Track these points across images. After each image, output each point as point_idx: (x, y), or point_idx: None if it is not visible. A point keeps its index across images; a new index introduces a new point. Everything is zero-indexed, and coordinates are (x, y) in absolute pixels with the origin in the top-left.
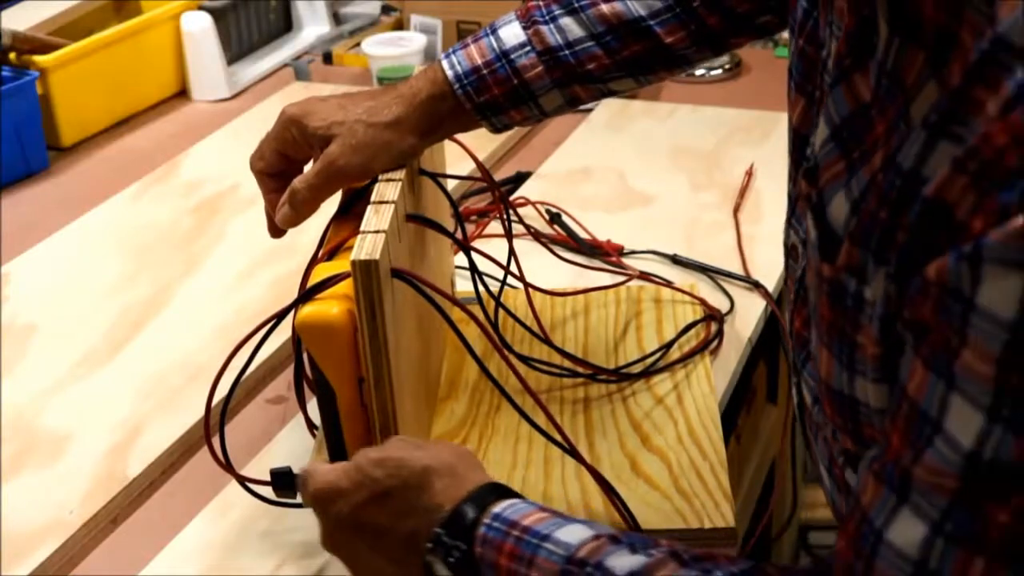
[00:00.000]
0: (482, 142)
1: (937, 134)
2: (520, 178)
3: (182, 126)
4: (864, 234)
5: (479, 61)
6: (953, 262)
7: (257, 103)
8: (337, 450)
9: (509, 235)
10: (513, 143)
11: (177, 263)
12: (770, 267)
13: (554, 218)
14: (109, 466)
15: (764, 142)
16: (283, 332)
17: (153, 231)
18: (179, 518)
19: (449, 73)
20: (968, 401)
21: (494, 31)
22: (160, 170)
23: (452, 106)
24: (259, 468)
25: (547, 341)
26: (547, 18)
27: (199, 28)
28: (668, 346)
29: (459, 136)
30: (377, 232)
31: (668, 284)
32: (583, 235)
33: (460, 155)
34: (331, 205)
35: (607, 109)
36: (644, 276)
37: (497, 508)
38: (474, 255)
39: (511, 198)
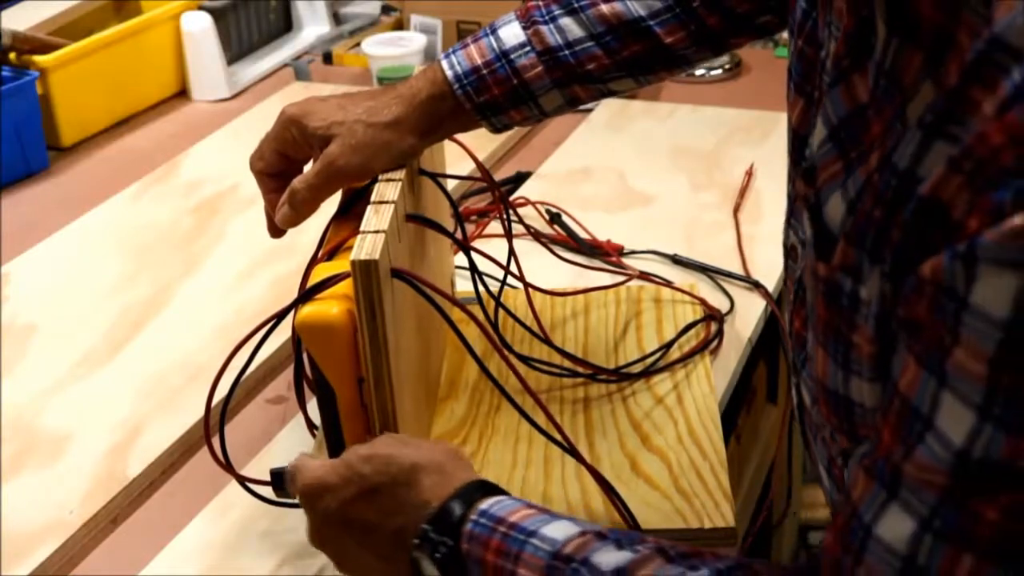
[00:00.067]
0: (482, 142)
1: (932, 134)
2: (520, 178)
3: (182, 126)
4: (859, 233)
5: (479, 61)
6: (948, 261)
7: (257, 103)
8: (337, 450)
9: (509, 235)
10: (513, 143)
11: (177, 263)
12: (770, 267)
13: (554, 218)
14: (109, 466)
15: (764, 142)
16: (283, 332)
17: (153, 231)
18: (179, 518)
19: (449, 73)
20: (960, 399)
21: (494, 31)
22: (160, 170)
23: (452, 106)
24: (259, 468)
25: (547, 341)
26: (547, 18)
27: (199, 28)
28: (668, 346)
29: (459, 136)
30: (377, 232)
31: (668, 284)
32: (583, 235)
33: (460, 155)
34: (331, 205)
35: (607, 109)
36: (644, 276)
37: (484, 505)
38: (474, 255)
39: (511, 198)
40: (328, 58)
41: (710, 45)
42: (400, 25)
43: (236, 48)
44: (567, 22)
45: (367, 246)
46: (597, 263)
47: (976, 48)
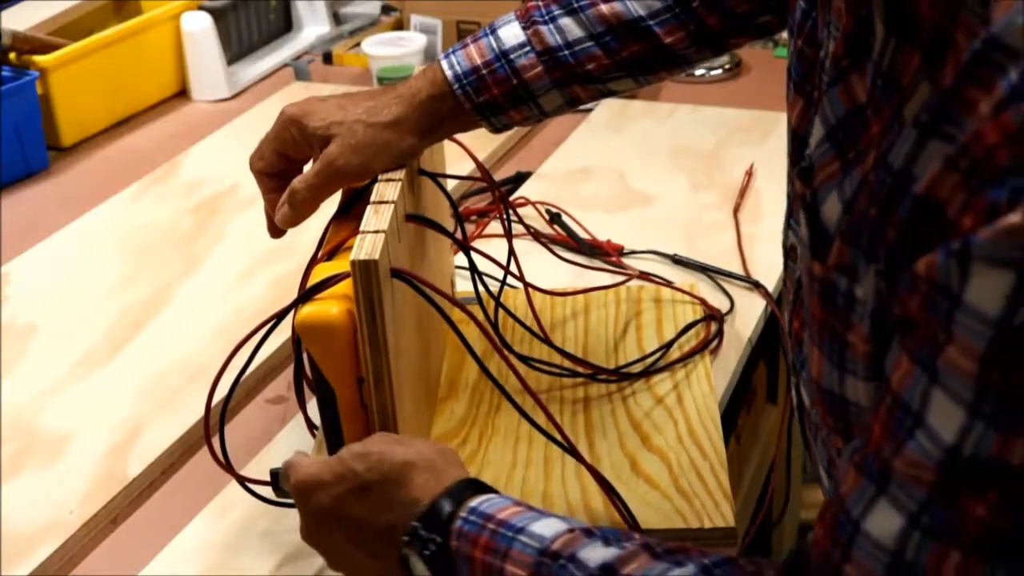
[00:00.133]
0: (482, 142)
1: (928, 133)
2: (520, 178)
3: (182, 126)
4: (855, 232)
5: (479, 61)
6: (942, 259)
7: (257, 103)
8: (337, 450)
9: (509, 235)
10: (513, 143)
11: (177, 263)
12: (770, 267)
13: (554, 218)
14: (109, 466)
15: (764, 142)
16: (283, 332)
17: (153, 231)
18: (179, 518)
19: (448, 73)
20: (950, 396)
21: (493, 31)
22: (160, 170)
23: (452, 106)
24: (259, 468)
25: (547, 341)
26: (546, 18)
27: (199, 28)
28: (668, 346)
29: (459, 136)
30: (377, 232)
31: (668, 284)
32: (583, 235)
33: (460, 155)
34: (331, 205)
35: (607, 109)
36: (644, 276)
37: (473, 502)
38: (474, 255)
39: (511, 198)
40: (328, 58)
41: (710, 45)
42: (400, 25)
43: (236, 48)
44: (567, 22)
45: (367, 246)
46: (597, 263)
47: (973, 48)
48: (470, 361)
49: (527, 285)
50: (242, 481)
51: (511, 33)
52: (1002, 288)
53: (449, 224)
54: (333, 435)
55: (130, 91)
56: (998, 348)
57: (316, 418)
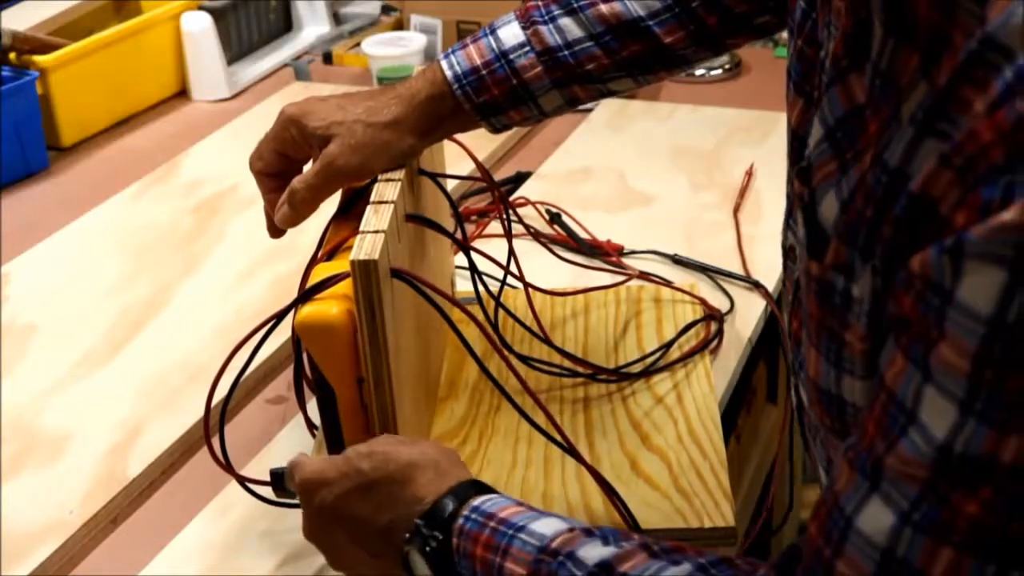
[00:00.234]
0: (482, 142)
1: (924, 131)
2: (520, 178)
3: (182, 126)
4: (851, 231)
5: (478, 61)
6: (935, 256)
7: (257, 103)
8: (337, 450)
9: (509, 235)
10: (513, 143)
11: (177, 263)
12: (770, 267)
13: (554, 218)
14: (109, 466)
15: (764, 142)
16: (283, 332)
17: (153, 231)
18: (179, 518)
19: (448, 73)
20: (943, 393)
21: (493, 31)
22: (160, 170)
23: (451, 106)
24: (259, 468)
25: (547, 341)
26: (546, 18)
27: (199, 28)
28: (668, 346)
29: (459, 136)
30: (376, 232)
31: (668, 284)
32: (583, 235)
33: (460, 155)
34: (331, 205)
35: (607, 109)
36: (644, 276)
37: (476, 502)
38: (474, 255)
39: (511, 198)
40: (328, 58)
41: (709, 45)
42: (400, 25)
43: (236, 48)
44: (566, 22)
45: (367, 246)
46: (597, 263)
47: (969, 47)
48: (470, 361)
49: (527, 285)
50: (242, 481)
51: (511, 33)
52: (994, 286)
53: (449, 224)
54: (333, 435)
55: (130, 91)
56: (990, 346)
57: (316, 418)
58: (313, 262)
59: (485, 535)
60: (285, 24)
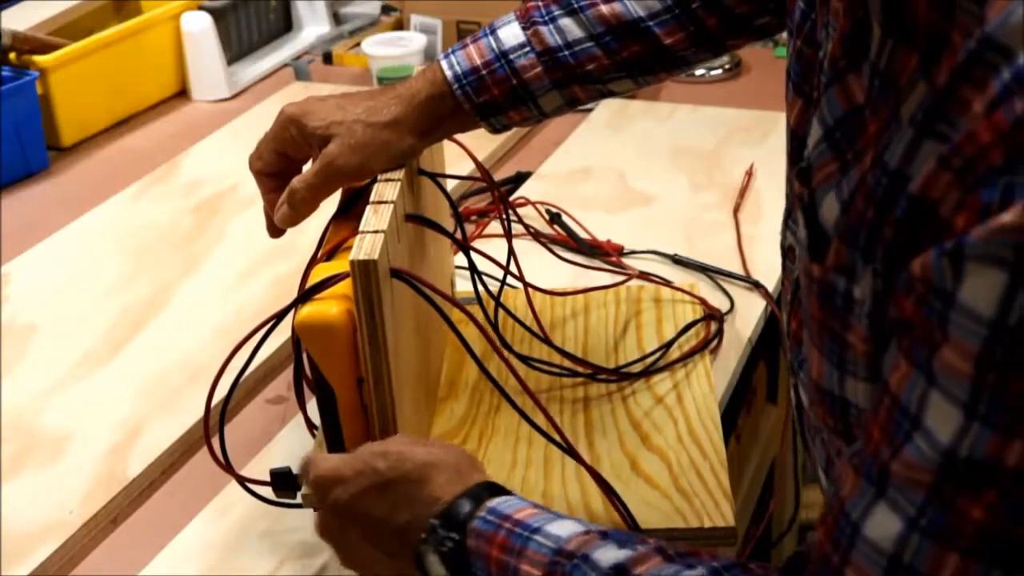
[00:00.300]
0: (482, 142)
1: (923, 132)
2: (520, 178)
3: (182, 126)
4: (852, 233)
5: (478, 61)
6: (935, 258)
7: (257, 103)
8: (336, 450)
9: (509, 235)
10: (513, 143)
11: (177, 263)
12: (770, 267)
13: (554, 218)
14: (109, 466)
15: (764, 142)
16: (283, 332)
17: (153, 231)
18: (179, 518)
19: (448, 73)
20: (947, 397)
21: (493, 31)
22: (160, 170)
23: (451, 106)
24: (259, 468)
25: (547, 341)
26: (546, 19)
27: (199, 28)
28: (668, 346)
29: (459, 136)
30: (376, 232)
31: (668, 284)
32: (583, 235)
33: (460, 155)
34: (331, 205)
35: (607, 109)
36: (644, 276)
37: (492, 503)
38: (474, 255)
39: (511, 198)
40: (328, 58)
41: (709, 46)
42: (400, 25)
43: (236, 48)
44: (567, 23)
45: (366, 246)
46: (597, 263)
47: (968, 47)
48: (470, 361)
49: (527, 285)
50: (242, 481)
51: (511, 33)
52: (996, 288)
53: (449, 224)
54: (333, 435)
55: (130, 91)
56: (993, 348)
57: (316, 418)
58: (313, 262)
59: (501, 536)
60: (285, 24)
